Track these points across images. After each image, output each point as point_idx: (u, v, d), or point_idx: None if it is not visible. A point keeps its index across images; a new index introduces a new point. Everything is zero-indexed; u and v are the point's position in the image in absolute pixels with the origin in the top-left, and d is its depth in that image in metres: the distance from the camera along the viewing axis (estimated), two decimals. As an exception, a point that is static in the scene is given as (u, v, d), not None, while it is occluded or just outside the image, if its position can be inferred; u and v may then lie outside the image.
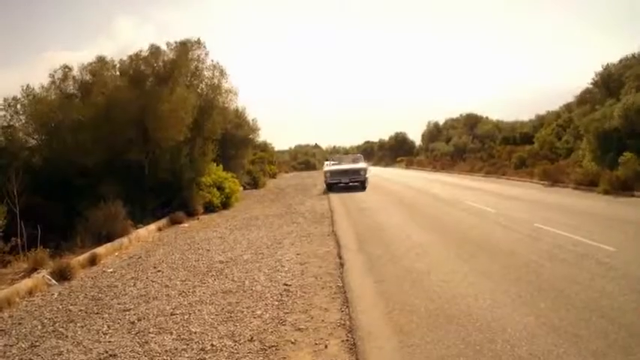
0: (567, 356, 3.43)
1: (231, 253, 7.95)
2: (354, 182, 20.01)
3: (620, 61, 21.52)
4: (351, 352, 3.82)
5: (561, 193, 15.14)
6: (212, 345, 4.06)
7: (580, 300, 4.61)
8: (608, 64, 21.70)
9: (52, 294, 6.07)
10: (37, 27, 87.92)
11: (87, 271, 7.24)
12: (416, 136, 64.26)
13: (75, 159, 11.20)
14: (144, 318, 4.90)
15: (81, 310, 5.33)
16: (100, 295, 5.94)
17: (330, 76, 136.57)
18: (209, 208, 14.21)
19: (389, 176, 31.12)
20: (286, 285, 5.80)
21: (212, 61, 15.23)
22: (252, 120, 24.88)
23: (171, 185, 12.92)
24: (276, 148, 45.26)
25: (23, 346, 4.37)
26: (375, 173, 30.91)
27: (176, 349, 4.04)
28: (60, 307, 5.52)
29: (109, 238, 8.84)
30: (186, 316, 4.86)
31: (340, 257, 7.20)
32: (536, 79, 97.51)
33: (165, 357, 3.91)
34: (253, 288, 5.76)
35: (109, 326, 4.74)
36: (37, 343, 4.40)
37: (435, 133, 53.84)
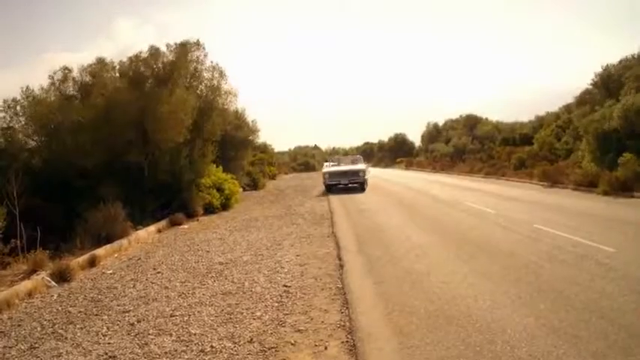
0: (567, 357, 3.43)
1: (231, 255, 7.95)
2: (353, 184, 19.98)
3: (620, 61, 21.55)
4: (350, 353, 3.82)
5: (561, 194, 15.14)
6: (212, 346, 4.06)
7: (580, 301, 4.61)
8: (607, 65, 21.75)
9: (52, 295, 6.07)
10: (36, 28, 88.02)
11: (86, 273, 7.24)
12: (415, 137, 64.29)
13: (74, 160, 11.21)
14: (143, 319, 4.90)
15: (80, 312, 5.33)
16: (99, 296, 5.94)
17: (329, 76, 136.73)
18: (209, 210, 14.21)
19: (388, 177, 31.13)
20: (286, 286, 5.80)
21: (211, 62, 15.27)
22: (252, 121, 24.91)
23: (170, 187, 12.92)
24: (275, 150, 45.25)
25: (22, 347, 4.36)
26: (375, 174, 30.89)
27: (175, 350, 4.04)
28: (59, 308, 5.52)
29: (109, 240, 8.83)
30: (185, 318, 4.85)
31: (340, 258, 7.20)
32: (536, 80, 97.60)
33: (164, 358, 3.91)
34: (253, 289, 5.75)
35: (108, 328, 4.73)
36: (37, 345, 4.40)
37: (434, 134, 53.87)
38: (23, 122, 11.91)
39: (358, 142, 77.79)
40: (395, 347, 3.84)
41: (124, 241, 9.19)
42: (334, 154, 55.15)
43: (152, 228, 10.92)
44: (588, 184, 15.25)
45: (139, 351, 4.08)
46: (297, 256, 7.55)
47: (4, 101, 11.55)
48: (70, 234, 8.80)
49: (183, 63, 13.78)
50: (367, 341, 3.99)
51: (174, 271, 7.03)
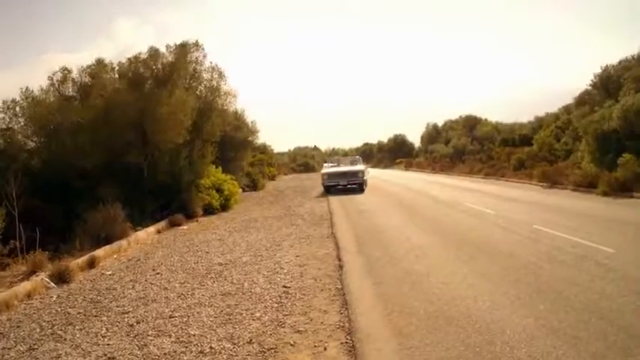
0: (566, 358, 3.43)
1: (230, 256, 7.94)
2: (352, 184, 19.95)
3: (620, 62, 21.57)
4: (350, 354, 3.81)
5: (560, 195, 15.14)
6: (211, 347, 4.05)
7: (579, 301, 4.61)
8: (607, 66, 21.76)
9: (51, 297, 6.06)
10: (36, 28, 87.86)
11: (86, 274, 7.23)
12: (415, 138, 64.17)
13: (74, 161, 11.20)
14: (143, 321, 4.89)
15: (79, 313, 5.32)
16: (98, 297, 5.93)
17: (329, 77, 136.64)
18: (208, 211, 14.21)
19: (388, 178, 31.13)
20: (285, 287, 5.80)
21: (210, 62, 15.34)
22: (252, 122, 24.94)
23: (170, 187, 12.92)
24: (275, 150, 45.27)
25: (21, 349, 4.36)
26: (374, 175, 30.90)
27: (175, 351, 4.03)
28: (58, 309, 5.51)
29: (108, 241, 8.83)
30: (185, 319, 4.85)
31: (339, 259, 7.20)
32: (535, 80, 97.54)
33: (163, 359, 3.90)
34: (252, 290, 5.75)
35: (107, 329, 4.73)
36: (36, 346, 4.39)
37: (434, 134, 53.87)
38: (22, 123, 11.91)
39: (358, 143, 77.81)
40: (394, 348, 3.84)
41: (124, 242, 9.18)
42: (334, 155, 55.19)
43: (151, 229, 10.92)
44: (588, 185, 15.25)
45: (138, 352, 4.08)
46: (297, 256, 7.55)
47: (4, 102, 11.57)
48: (69, 235, 8.80)
49: (182, 64, 13.79)
50: (366, 342, 3.99)
51: (174, 272, 7.02)
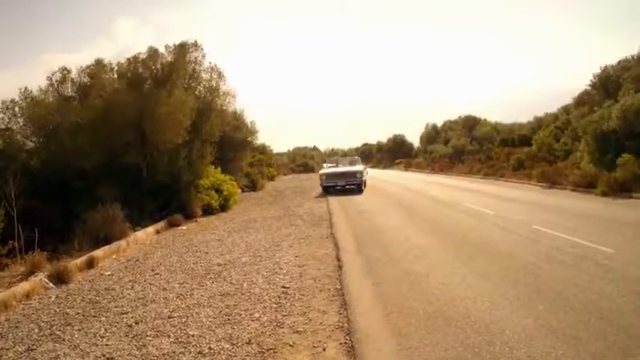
0: (566, 358, 3.42)
1: (230, 256, 7.93)
2: (350, 185, 19.92)
3: (619, 62, 21.56)
4: (349, 354, 3.81)
5: (559, 195, 15.15)
6: (210, 348, 4.05)
7: (579, 302, 4.60)
8: (606, 66, 21.75)
9: (50, 297, 6.05)
10: (36, 28, 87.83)
11: (84, 274, 7.22)
12: (414, 138, 64.23)
13: (73, 161, 11.18)
14: (141, 321, 4.88)
15: (78, 314, 5.31)
16: (97, 298, 5.92)
17: (328, 78, 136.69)
18: (207, 211, 14.19)
19: (387, 178, 31.13)
20: (284, 287, 5.79)
21: (209, 63, 15.27)
22: (251, 122, 24.94)
23: (169, 188, 12.90)
24: (274, 151, 45.23)
25: (20, 349, 4.35)
26: (374, 175, 30.91)
27: (173, 352, 4.03)
28: (57, 310, 5.50)
29: (107, 241, 8.81)
30: (183, 319, 4.84)
31: (339, 259, 7.19)
32: (535, 80, 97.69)
33: (162, 360, 3.89)
34: (251, 290, 5.74)
35: (106, 329, 4.72)
36: (34, 347, 4.38)
37: (433, 135, 53.89)
38: (21, 123, 11.88)
39: (357, 143, 77.84)
40: (393, 348, 3.83)
41: (123, 243, 9.17)
42: (333, 155, 55.17)
43: (150, 229, 10.90)
44: (587, 185, 15.26)
45: (137, 353, 4.07)
46: (296, 257, 7.54)
47: (3, 102, 11.52)
48: (68, 235, 8.78)
49: (181, 64, 13.77)
50: (366, 342, 3.99)
51: (173, 273, 7.01)
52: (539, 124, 33.08)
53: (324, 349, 3.92)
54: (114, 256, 8.49)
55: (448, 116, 59.42)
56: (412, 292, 5.31)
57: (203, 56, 14.65)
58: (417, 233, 9.15)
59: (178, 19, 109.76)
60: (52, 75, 12.49)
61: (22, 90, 11.80)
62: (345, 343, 4.02)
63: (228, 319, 4.74)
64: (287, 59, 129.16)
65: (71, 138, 11.43)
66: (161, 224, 11.66)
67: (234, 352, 3.93)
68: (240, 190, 19.52)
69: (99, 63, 13.05)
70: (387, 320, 4.48)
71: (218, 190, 15.16)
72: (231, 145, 21.24)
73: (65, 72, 12.64)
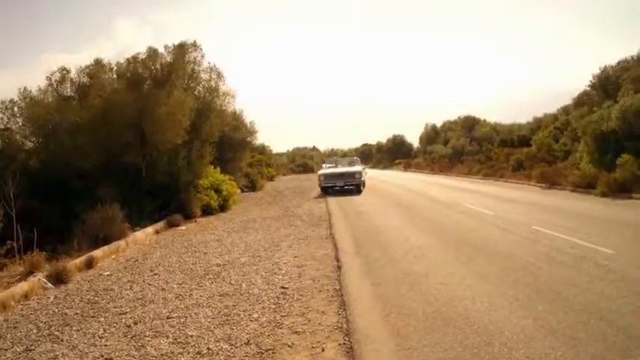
0: (565, 359, 3.42)
1: (229, 256, 7.92)
2: (349, 186, 19.88)
3: (618, 63, 21.57)
4: (348, 355, 3.80)
5: (559, 196, 15.15)
6: (208, 348, 4.04)
7: (578, 302, 4.60)
8: (605, 67, 21.75)
9: (48, 297, 6.04)
10: (36, 28, 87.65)
11: (83, 274, 7.21)
12: (414, 139, 64.16)
13: (72, 161, 11.17)
14: (140, 321, 4.88)
15: (77, 314, 5.30)
16: (96, 298, 5.91)
17: (328, 78, 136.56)
18: (207, 211, 14.18)
19: (387, 179, 31.13)
20: (283, 288, 5.78)
21: (209, 63, 15.26)
22: (250, 122, 24.90)
23: (168, 188, 12.89)
24: (274, 151, 45.20)
25: (18, 350, 4.34)
26: (373, 176, 30.92)
27: (172, 352, 4.02)
28: (56, 310, 5.49)
29: (106, 241, 8.81)
30: (182, 320, 4.83)
31: (338, 260, 7.18)
32: (535, 80, 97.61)
33: (161, 361, 3.88)
34: (250, 291, 5.73)
35: (104, 330, 4.71)
36: (32, 347, 4.37)
37: (432, 135, 53.86)
38: (21, 123, 11.88)
39: (357, 144, 77.73)
40: (392, 349, 3.82)
41: (122, 243, 9.16)
42: (332, 156, 55.17)
43: (150, 229, 10.89)
44: (586, 186, 15.26)
45: (136, 353, 4.06)
46: (295, 257, 7.53)
47: (2, 102, 11.53)
48: (67, 235, 8.77)
49: (180, 64, 13.76)
50: (364, 343, 3.98)
51: (172, 273, 7.00)
52: (538, 124, 33.06)
53: (322, 350, 3.91)
54: (113, 257, 8.48)
55: (447, 116, 59.32)
56: (411, 292, 5.31)
57: (202, 56, 14.66)
58: (416, 234, 9.14)
59: (178, 19, 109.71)
60: (52, 75, 12.50)
61: (22, 90, 11.82)
62: (344, 343, 4.01)
63: (227, 320, 4.73)
64: (287, 59, 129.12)
65: (70, 138, 11.42)
66: (160, 224, 11.65)
67: (232, 353, 3.93)
68: (239, 191, 19.53)
69: (98, 63, 13.05)
70: (386, 321, 4.47)
71: (217, 191, 15.15)
72: (231, 146, 21.22)
73: (64, 72, 12.63)
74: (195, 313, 5.01)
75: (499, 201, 14.26)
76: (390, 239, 8.73)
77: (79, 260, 7.54)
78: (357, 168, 21.16)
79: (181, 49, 13.96)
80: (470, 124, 47.37)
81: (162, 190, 12.72)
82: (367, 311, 4.78)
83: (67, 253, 7.93)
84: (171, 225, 11.97)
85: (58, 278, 6.63)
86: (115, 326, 4.80)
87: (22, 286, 6.12)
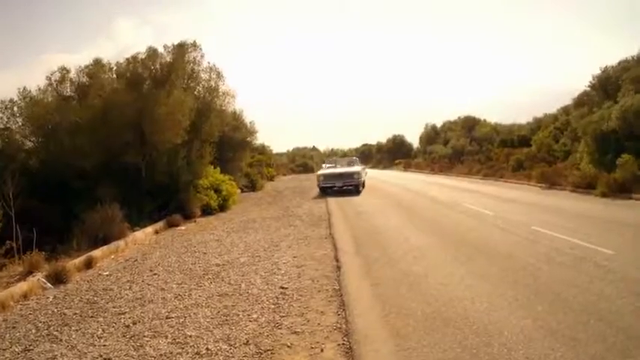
0: (565, 360, 3.41)
1: (228, 256, 7.92)
2: (348, 186, 19.83)
3: (619, 63, 21.55)
4: (347, 355, 3.79)
5: (559, 196, 15.14)
6: (207, 349, 4.03)
7: (578, 303, 4.59)
8: (606, 67, 21.73)
9: (47, 297, 6.03)
10: (35, 28, 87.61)
11: (83, 274, 7.20)
12: (414, 139, 64.08)
13: (72, 161, 11.17)
14: (139, 321, 4.87)
15: (76, 314, 5.30)
16: (95, 298, 5.90)
17: (328, 78, 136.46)
18: (206, 211, 14.17)
19: (386, 179, 31.12)
20: (283, 288, 5.77)
21: (208, 63, 15.25)
22: (250, 122, 24.87)
23: (168, 188, 12.89)
24: (274, 151, 45.17)
25: (17, 350, 4.33)
26: (373, 176, 30.92)
27: (171, 352, 4.01)
28: (55, 310, 5.48)
29: (106, 241, 8.80)
30: (181, 320, 4.83)
31: (337, 260, 7.18)
32: (535, 81, 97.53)
33: (159, 361, 3.88)
34: (249, 291, 5.73)
35: (103, 330, 4.70)
36: (31, 347, 4.36)
37: (432, 135, 53.84)
38: (20, 123, 11.87)
39: (357, 144, 77.69)
40: (392, 349, 3.82)
41: (121, 243, 9.15)
42: (332, 156, 55.15)
43: (149, 229, 10.89)
44: (586, 186, 15.25)
45: (134, 353, 4.06)
46: (295, 257, 7.53)
47: (2, 102, 11.51)
48: (67, 235, 8.77)
49: (180, 64, 13.75)
50: (364, 343, 3.97)
51: (171, 273, 7.00)
52: (538, 124, 33.03)
53: (322, 350, 3.90)
54: (112, 257, 8.48)
55: (447, 117, 59.26)
56: (411, 292, 5.30)
57: (202, 56, 14.65)
58: (416, 234, 9.14)
59: (178, 19, 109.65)
60: (51, 75, 12.50)
61: (21, 90, 11.81)
62: (343, 344, 4.01)
63: (226, 320, 4.73)
64: (286, 59, 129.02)
65: (70, 138, 11.42)
66: (160, 224, 11.65)
67: (231, 353, 3.92)
68: (239, 191, 19.51)
69: (98, 63, 13.05)
70: (385, 321, 4.46)
71: (217, 191, 15.14)
72: (231, 146, 21.21)
73: (64, 72, 12.63)
74: (194, 313, 5.00)
75: (499, 201, 14.25)
76: (390, 239, 8.73)
77: (79, 260, 7.53)
78: (356, 168, 21.12)
79: (181, 49, 13.95)
80: (470, 124, 47.33)
81: (162, 190, 12.71)
82: (366, 311, 4.78)
83: (66, 253, 7.92)
84: (171, 225, 11.96)
85: (58, 278, 6.62)
86: (113, 326, 4.79)
87: (21, 286, 6.12)
